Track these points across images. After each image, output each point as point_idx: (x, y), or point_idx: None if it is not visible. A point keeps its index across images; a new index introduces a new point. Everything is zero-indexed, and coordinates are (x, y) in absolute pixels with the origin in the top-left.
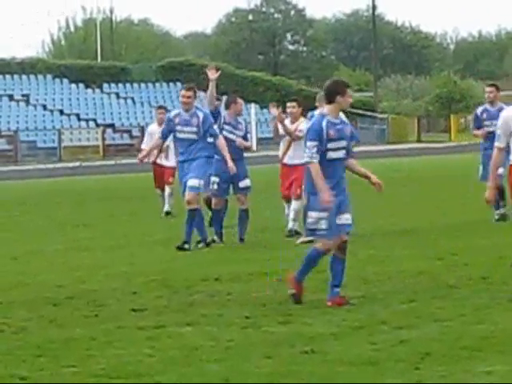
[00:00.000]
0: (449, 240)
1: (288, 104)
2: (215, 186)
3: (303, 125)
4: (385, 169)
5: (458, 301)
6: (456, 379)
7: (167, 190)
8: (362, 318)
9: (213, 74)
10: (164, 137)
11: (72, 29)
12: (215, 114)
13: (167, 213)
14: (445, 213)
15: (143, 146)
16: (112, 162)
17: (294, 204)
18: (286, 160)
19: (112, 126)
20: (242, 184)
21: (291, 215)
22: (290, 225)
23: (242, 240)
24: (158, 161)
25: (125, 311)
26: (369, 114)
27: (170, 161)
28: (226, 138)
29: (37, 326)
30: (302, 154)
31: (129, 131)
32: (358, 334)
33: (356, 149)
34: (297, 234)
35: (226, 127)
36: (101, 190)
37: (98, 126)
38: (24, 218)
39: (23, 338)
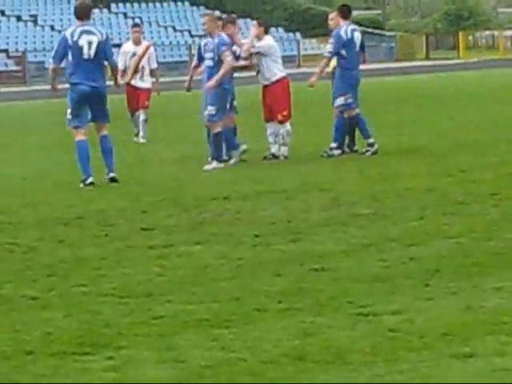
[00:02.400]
0: (457, 157)
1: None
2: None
3: (264, 42)
4: (393, 87)
5: (468, 217)
6: (466, 295)
7: (142, 115)
8: (372, 236)
9: None
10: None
11: None
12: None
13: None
14: (453, 130)
15: (120, 67)
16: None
17: (279, 128)
18: (260, 81)
19: (119, 45)
20: (235, 102)
21: (270, 139)
22: (272, 150)
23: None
24: (133, 82)
25: (134, 230)
26: (377, 31)
27: (145, 82)
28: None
29: (47, 246)
30: (269, 74)
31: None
32: (368, 252)
33: (364, 67)
34: (275, 158)
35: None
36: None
37: None
38: (32, 138)
39: (33, 257)
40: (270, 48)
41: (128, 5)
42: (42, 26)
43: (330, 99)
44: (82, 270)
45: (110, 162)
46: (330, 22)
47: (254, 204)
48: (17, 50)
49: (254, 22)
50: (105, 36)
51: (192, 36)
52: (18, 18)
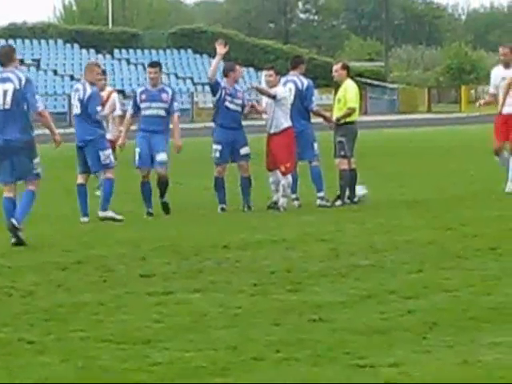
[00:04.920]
0: (458, 211)
1: (265, 72)
2: (217, 154)
3: (280, 89)
4: (395, 139)
5: (467, 271)
6: (463, 349)
7: None
8: (371, 287)
9: (221, 49)
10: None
11: None
12: (214, 87)
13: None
14: (454, 183)
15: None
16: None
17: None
18: (267, 129)
19: (122, 92)
20: (242, 151)
21: (273, 187)
22: (280, 201)
23: (249, 208)
24: None
25: (133, 277)
26: (379, 83)
27: (107, 133)
28: (227, 108)
29: (45, 291)
30: (277, 123)
31: None
32: (367, 303)
33: (365, 118)
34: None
35: (228, 98)
36: None
37: None
38: None
39: (31, 302)
40: (284, 97)
41: (131, 51)
42: (45, 70)
43: (332, 149)
44: (80, 315)
45: (19, 215)
46: (335, 74)
47: (253, 253)
48: None
49: (270, 72)
50: (24, 82)
51: (194, 84)
52: (21, 62)
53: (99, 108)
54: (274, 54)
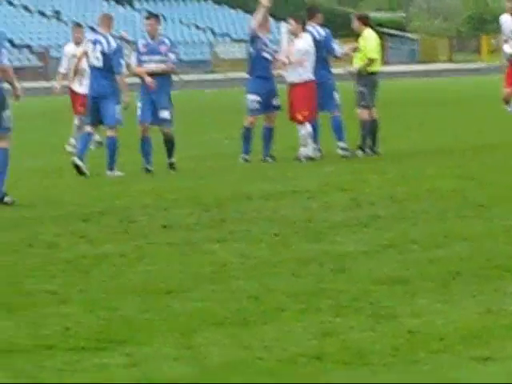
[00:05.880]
0: (480, 160)
1: (286, 22)
2: (256, 105)
3: (306, 42)
4: (415, 89)
5: (489, 220)
6: (486, 299)
7: (75, 120)
8: (392, 237)
9: (265, 2)
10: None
11: None
12: (254, 38)
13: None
14: (477, 133)
15: (61, 70)
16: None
17: (299, 129)
18: (287, 79)
19: None
20: (275, 102)
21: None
22: (300, 151)
23: (273, 158)
24: (72, 86)
25: (155, 228)
26: (399, 33)
27: (82, 86)
28: (265, 59)
29: (67, 242)
30: (299, 71)
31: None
32: (388, 253)
33: (386, 68)
34: (310, 159)
35: (265, 48)
36: None
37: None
38: (56, 133)
39: (54, 253)
40: (307, 50)
41: (151, 2)
42: (65, 22)
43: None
44: (102, 266)
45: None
46: (353, 26)
47: (274, 203)
48: (40, 46)
49: (290, 21)
50: None
51: (214, 34)
52: (42, 14)
53: (123, 62)
54: (294, 4)
